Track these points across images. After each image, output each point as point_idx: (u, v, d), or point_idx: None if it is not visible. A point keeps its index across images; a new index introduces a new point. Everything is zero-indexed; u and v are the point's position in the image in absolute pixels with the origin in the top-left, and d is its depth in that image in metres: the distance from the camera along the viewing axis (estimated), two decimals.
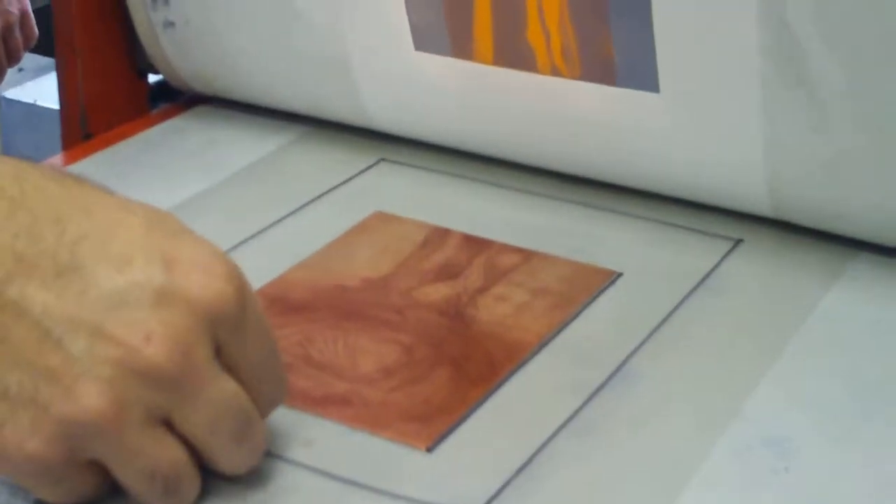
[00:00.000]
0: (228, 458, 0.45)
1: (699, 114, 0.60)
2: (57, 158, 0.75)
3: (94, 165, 0.73)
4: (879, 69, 0.54)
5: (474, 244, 0.63)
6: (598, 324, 0.57)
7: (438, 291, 0.59)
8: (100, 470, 0.44)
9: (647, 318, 0.57)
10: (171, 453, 0.43)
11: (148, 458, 0.43)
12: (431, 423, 0.50)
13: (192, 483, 0.45)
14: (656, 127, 0.62)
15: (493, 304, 0.58)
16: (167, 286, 0.43)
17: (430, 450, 0.49)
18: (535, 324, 0.56)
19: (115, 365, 0.41)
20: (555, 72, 0.64)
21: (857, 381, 0.52)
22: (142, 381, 0.42)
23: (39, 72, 1.56)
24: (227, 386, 0.44)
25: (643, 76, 0.61)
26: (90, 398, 0.41)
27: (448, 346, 0.55)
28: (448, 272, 0.61)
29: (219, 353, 0.44)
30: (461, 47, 0.66)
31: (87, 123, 0.78)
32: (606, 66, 0.62)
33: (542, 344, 0.55)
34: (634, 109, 0.62)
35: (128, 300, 0.42)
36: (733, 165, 0.61)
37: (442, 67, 0.67)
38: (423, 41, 0.67)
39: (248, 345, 0.45)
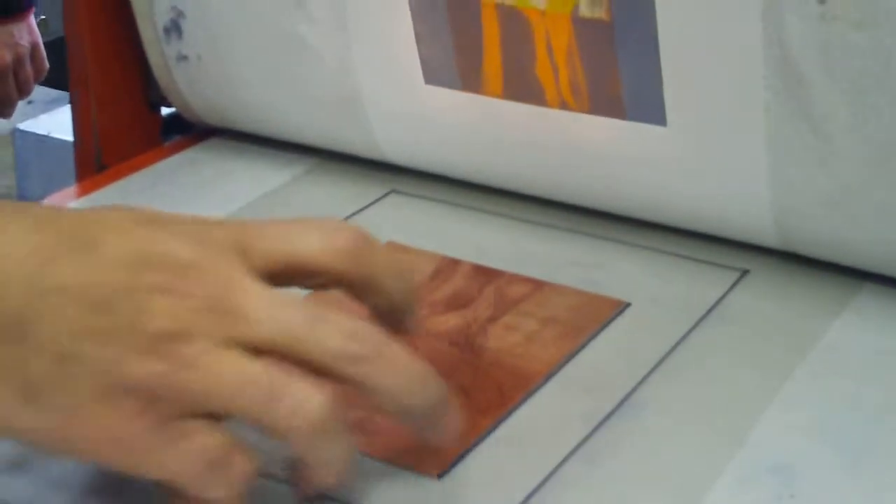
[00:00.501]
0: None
1: (706, 147, 0.61)
2: (70, 190, 0.76)
3: (107, 197, 0.74)
4: (883, 102, 0.55)
5: (484, 274, 0.63)
6: (606, 353, 0.57)
7: (449, 321, 0.60)
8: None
9: (655, 347, 0.57)
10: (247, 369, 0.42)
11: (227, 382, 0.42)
12: (442, 450, 0.50)
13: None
14: (663, 159, 0.63)
15: (503, 334, 0.58)
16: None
17: (441, 476, 0.49)
18: (544, 353, 0.57)
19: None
20: (563, 105, 0.65)
21: (863, 410, 0.53)
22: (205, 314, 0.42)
23: (50, 104, 1.57)
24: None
25: (650, 110, 0.62)
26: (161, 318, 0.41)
27: (458, 375, 0.55)
28: (458, 302, 0.61)
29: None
30: (470, 81, 0.67)
31: (100, 155, 0.79)
32: (614, 99, 0.63)
33: (552, 373, 0.56)
34: (642, 142, 0.63)
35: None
36: (739, 197, 0.62)
37: (451, 101, 0.68)
38: (432, 75, 0.68)
39: None
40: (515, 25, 0.64)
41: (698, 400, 0.54)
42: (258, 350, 0.42)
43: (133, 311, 0.41)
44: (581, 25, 0.62)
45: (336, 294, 0.48)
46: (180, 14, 0.75)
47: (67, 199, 0.74)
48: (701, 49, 0.59)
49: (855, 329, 0.58)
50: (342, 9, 0.69)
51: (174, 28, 0.76)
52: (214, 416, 0.42)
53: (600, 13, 0.61)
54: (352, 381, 0.44)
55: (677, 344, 0.58)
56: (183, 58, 0.77)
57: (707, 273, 0.64)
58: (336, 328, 0.44)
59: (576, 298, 0.61)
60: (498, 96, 0.66)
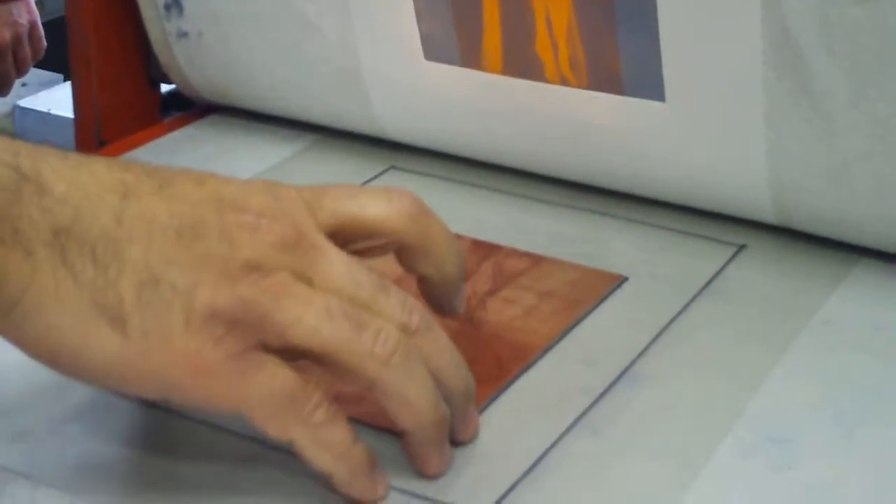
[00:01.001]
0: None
1: (704, 122, 0.62)
2: None
3: None
4: (881, 78, 0.55)
5: (483, 249, 0.64)
6: (604, 327, 0.58)
7: None
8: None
9: (653, 321, 0.58)
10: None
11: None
12: None
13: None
14: (662, 135, 0.63)
15: (502, 307, 0.59)
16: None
17: None
18: (542, 326, 0.57)
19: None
20: (563, 81, 0.65)
21: (859, 383, 0.53)
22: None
23: (42, 86, 1.58)
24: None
25: (649, 85, 0.62)
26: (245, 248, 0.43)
27: (458, 347, 0.56)
28: None
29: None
30: (470, 57, 0.67)
31: (100, 131, 0.79)
32: (613, 75, 0.63)
33: (550, 346, 0.56)
34: (641, 118, 0.63)
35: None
36: (737, 173, 0.62)
37: (451, 77, 0.68)
38: (433, 51, 0.68)
39: None
40: (515, 2, 0.64)
41: (697, 373, 0.54)
42: None
43: (219, 240, 0.42)
44: (581, 2, 0.62)
45: None
46: None
47: None
48: (700, 25, 0.59)
49: (851, 303, 0.59)
50: None
51: (175, 4, 0.76)
52: (288, 356, 0.43)
53: None
54: (385, 385, 0.45)
55: (675, 318, 0.58)
56: (183, 34, 0.77)
57: (704, 248, 0.64)
58: (396, 297, 0.45)
59: (574, 273, 0.62)
60: (498, 72, 0.67)
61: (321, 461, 0.44)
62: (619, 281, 0.61)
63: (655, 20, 0.60)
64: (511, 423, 0.52)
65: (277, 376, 0.43)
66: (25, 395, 0.54)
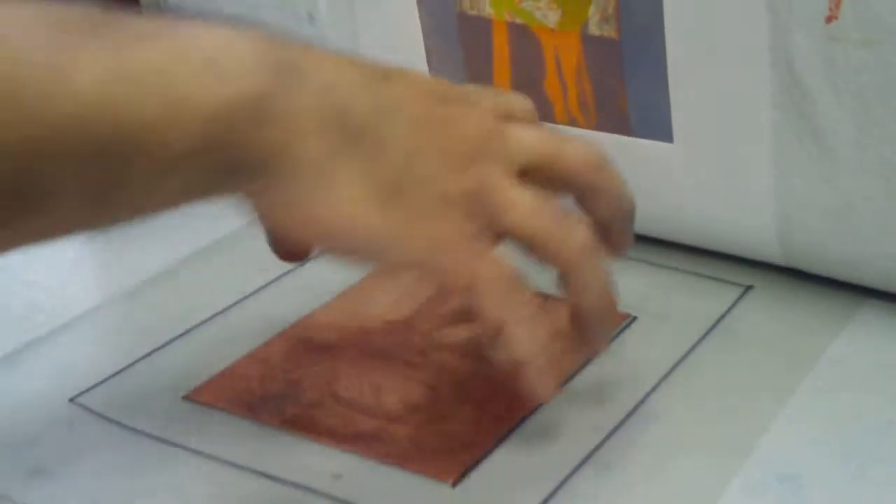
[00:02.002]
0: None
1: (712, 163, 0.62)
2: None
3: None
4: (886, 119, 0.56)
5: None
6: (614, 366, 0.58)
7: (458, 334, 0.61)
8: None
9: (662, 360, 0.58)
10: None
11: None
12: (457, 458, 0.51)
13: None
14: (670, 176, 0.64)
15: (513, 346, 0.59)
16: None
17: (455, 484, 0.50)
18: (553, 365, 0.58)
19: None
20: (572, 122, 0.66)
21: (867, 422, 0.53)
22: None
23: None
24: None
25: (657, 126, 0.63)
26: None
27: (470, 386, 0.56)
28: (467, 315, 0.62)
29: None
30: None
31: None
32: (621, 116, 0.64)
33: (561, 384, 0.57)
34: (648, 158, 0.64)
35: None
36: (744, 214, 0.63)
37: None
38: None
39: None
40: (525, 43, 0.65)
41: (706, 411, 0.55)
42: None
43: (452, 135, 0.49)
44: (590, 43, 0.63)
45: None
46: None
47: None
48: (708, 66, 0.60)
49: (858, 343, 0.59)
50: (352, 24, 0.70)
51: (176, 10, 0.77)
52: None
53: (609, 31, 0.62)
54: (576, 269, 0.51)
55: (684, 357, 0.59)
56: None
57: (712, 288, 0.65)
58: (577, 222, 0.52)
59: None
60: None
61: (523, 347, 0.50)
62: (628, 320, 0.62)
63: (664, 61, 0.61)
64: (523, 460, 0.52)
65: (504, 262, 0.49)
66: (39, 429, 0.55)
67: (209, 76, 0.42)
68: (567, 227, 0.51)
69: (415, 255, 0.48)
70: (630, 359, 0.59)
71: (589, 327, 0.53)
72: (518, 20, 0.64)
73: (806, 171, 0.59)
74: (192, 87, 0.42)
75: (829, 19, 0.55)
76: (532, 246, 0.50)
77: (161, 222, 0.71)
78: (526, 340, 0.50)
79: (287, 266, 0.67)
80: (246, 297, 0.64)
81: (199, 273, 0.67)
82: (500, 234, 0.49)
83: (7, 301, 0.65)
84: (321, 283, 0.65)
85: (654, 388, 0.56)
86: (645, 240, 0.68)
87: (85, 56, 0.40)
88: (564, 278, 0.52)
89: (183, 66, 0.42)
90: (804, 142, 0.59)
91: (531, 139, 0.51)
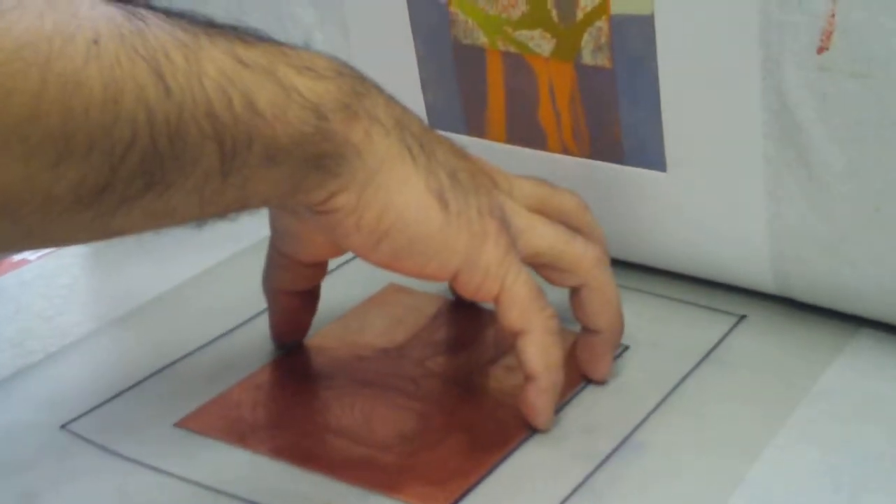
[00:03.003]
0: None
1: (705, 193, 0.62)
2: None
3: None
4: (878, 150, 0.56)
5: (484, 316, 0.64)
6: (606, 394, 0.58)
7: (451, 362, 0.61)
8: None
9: (654, 389, 0.58)
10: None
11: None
12: (447, 486, 0.51)
13: None
14: (663, 205, 0.64)
15: (504, 375, 0.59)
16: None
17: None
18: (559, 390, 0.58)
19: None
20: (565, 150, 0.66)
21: (859, 452, 0.53)
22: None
23: None
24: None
25: (651, 156, 0.63)
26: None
27: (462, 414, 0.56)
28: (459, 343, 0.62)
29: None
30: (475, 126, 0.68)
31: None
32: (615, 145, 0.64)
33: (553, 413, 0.56)
34: (642, 187, 0.64)
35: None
36: (738, 243, 0.63)
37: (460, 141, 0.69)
38: (437, 120, 0.69)
39: None
40: (519, 72, 0.65)
41: (697, 441, 0.55)
42: None
43: (474, 186, 0.54)
44: (584, 72, 0.63)
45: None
46: None
47: None
48: (701, 97, 0.60)
49: (851, 373, 0.59)
50: (348, 52, 0.70)
51: None
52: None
53: (603, 60, 0.62)
54: (592, 280, 0.57)
55: (676, 386, 0.59)
56: None
57: (705, 317, 0.65)
58: (588, 240, 0.58)
59: (574, 340, 0.62)
60: (501, 141, 0.68)
61: (538, 360, 0.53)
62: (620, 349, 0.62)
63: (657, 91, 0.61)
64: (513, 489, 0.52)
65: (530, 278, 0.54)
66: (30, 454, 0.54)
67: (308, 73, 0.48)
68: (582, 242, 0.56)
69: (458, 256, 0.52)
70: (622, 388, 0.59)
71: (601, 345, 0.57)
72: (512, 49, 0.65)
73: (798, 201, 0.60)
74: (295, 80, 0.47)
75: (820, 50, 0.56)
76: (551, 260, 0.55)
77: (153, 248, 0.72)
78: (541, 353, 0.53)
79: None
80: (238, 325, 0.64)
81: (191, 300, 0.67)
82: (520, 252, 0.54)
83: (0, 327, 0.65)
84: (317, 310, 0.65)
85: (646, 418, 0.56)
86: (637, 268, 0.68)
87: (207, 46, 0.45)
88: (580, 292, 0.56)
89: (286, 65, 0.47)
90: (797, 172, 0.59)
91: (529, 235, 0.56)
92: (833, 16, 0.55)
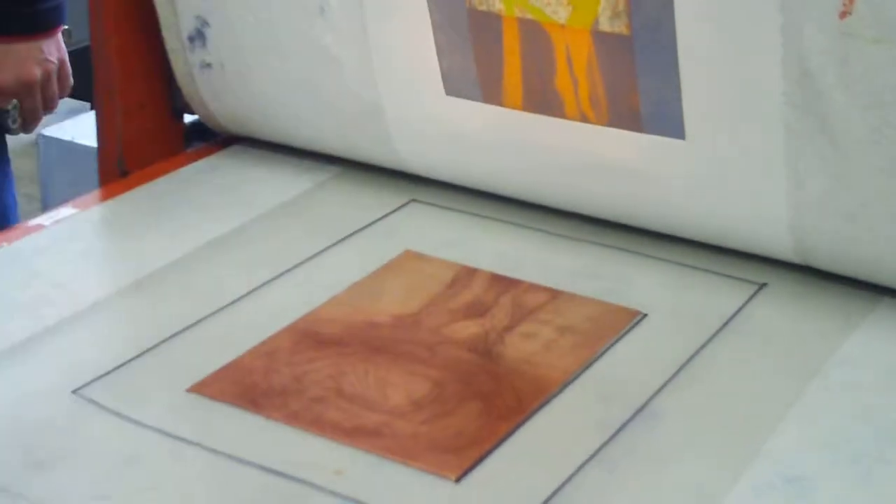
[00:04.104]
0: None
1: (724, 161, 0.62)
2: (94, 194, 0.77)
3: (130, 202, 0.74)
4: None
5: (501, 283, 0.64)
6: (623, 363, 0.58)
7: (467, 329, 0.60)
8: None
9: (671, 357, 0.58)
10: None
11: None
12: (461, 454, 0.51)
13: None
14: (682, 173, 0.63)
15: (521, 342, 0.59)
16: None
17: (459, 480, 0.50)
18: (561, 361, 0.57)
19: None
20: (583, 118, 0.65)
21: (876, 423, 0.53)
22: None
23: (68, 114, 1.58)
24: None
25: (669, 124, 0.62)
26: None
27: (477, 382, 0.56)
28: (476, 310, 0.62)
29: None
30: (491, 93, 0.68)
31: (123, 161, 0.80)
32: (633, 113, 0.63)
33: (569, 381, 0.56)
34: (661, 155, 0.63)
35: None
36: (758, 211, 0.62)
37: (472, 112, 0.69)
38: (453, 87, 0.69)
39: None
40: (536, 39, 0.64)
41: (714, 410, 0.54)
42: None
43: None
44: (601, 39, 0.62)
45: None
46: (204, 23, 0.76)
47: (91, 203, 0.75)
48: (720, 64, 0.59)
49: (871, 343, 0.59)
50: (363, 19, 0.70)
51: (198, 37, 0.77)
52: None
53: (620, 27, 0.61)
54: None
55: (694, 355, 0.58)
56: (206, 66, 0.78)
57: (725, 286, 0.64)
58: None
59: (592, 308, 0.62)
60: (518, 108, 0.67)
61: None
62: (639, 317, 0.61)
63: (676, 58, 0.60)
64: (528, 457, 0.51)
65: None
66: (42, 418, 0.54)
67: None
68: None
69: None
70: (639, 356, 0.58)
71: None
72: (528, 16, 0.64)
73: (819, 170, 0.59)
74: None
75: (842, 15, 0.55)
76: None
77: (167, 216, 0.72)
78: None
79: (294, 260, 0.66)
80: (252, 291, 0.64)
81: (205, 267, 0.67)
82: None
83: (15, 292, 0.65)
84: (329, 277, 0.65)
85: (662, 387, 0.56)
86: (656, 236, 0.68)
87: None
88: None
89: None
90: (817, 140, 0.58)
91: None
92: None
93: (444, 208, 0.73)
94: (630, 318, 0.61)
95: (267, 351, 0.59)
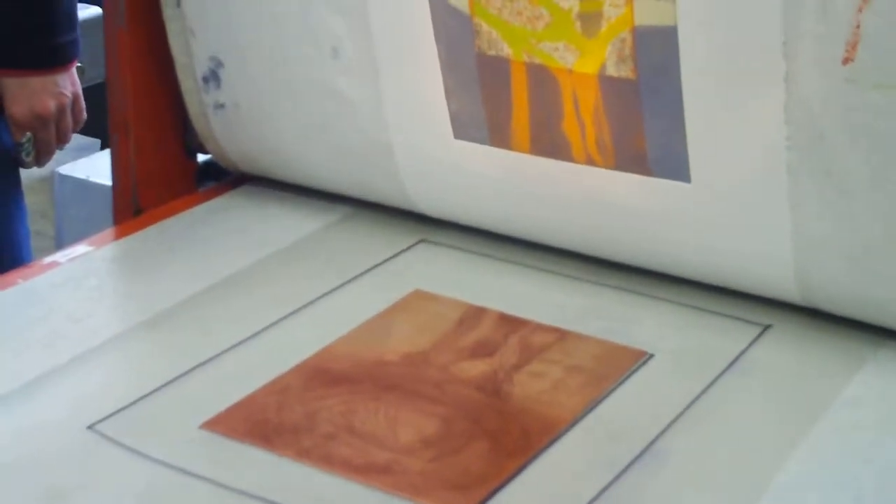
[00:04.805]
0: None
1: (729, 203, 0.63)
2: (108, 232, 0.78)
3: (144, 240, 0.75)
4: None
5: (509, 323, 0.65)
6: (629, 403, 0.59)
7: (475, 367, 0.61)
8: None
9: (677, 398, 0.58)
10: None
11: None
12: (469, 492, 0.52)
13: None
14: (687, 215, 0.64)
15: (528, 381, 0.60)
16: None
17: None
18: (569, 400, 0.58)
19: None
20: (589, 161, 0.66)
21: (881, 464, 0.53)
22: None
23: (79, 151, 1.59)
24: None
25: (675, 167, 0.63)
26: None
27: (485, 420, 0.57)
28: (484, 349, 0.63)
29: None
30: (499, 136, 0.69)
31: (138, 199, 0.81)
32: (639, 156, 0.64)
33: (576, 420, 0.57)
34: (666, 198, 0.64)
35: None
36: (762, 253, 0.63)
37: (480, 155, 0.70)
38: (461, 130, 0.70)
39: None
40: (543, 83, 0.65)
41: (719, 451, 0.55)
42: None
43: None
44: (608, 84, 0.63)
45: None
46: (219, 64, 0.77)
47: (106, 241, 0.76)
48: (725, 108, 0.60)
49: (875, 384, 0.59)
50: (375, 62, 0.71)
51: (213, 77, 0.78)
52: None
53: (627, 72, 0.62)
54: None
55: (699, 396, 0.59)
56: (220, 106, 0.79)
57: (729, 327, 0.65)
58: None
59: (599, 348, 0.62)
60: (525, 151, 0.68)
61: None
62: (645, 357, 0.62)
63: (681, 102, 0.61)
64: (535, 496, 0.52)
65: None
66: (57, 455, 0.55)
67: None
68: None
69: None
70: (645, 396, 0.59)
71: None
72: (536, 61, 0.65)
73: (823, 212, 0.60)
74: None
75: (845, 61, 0.56)
76: None
77: (181, 255, 0.73)
78: None
79: (306, 298, 0.67)
80: (265, 329, 0.65)
81: (218, 304, 0.68)
82: None
83: (29, 328, 0.65)
84: (340, 315, 0.66)
85: (668, 427, 0.56)
86: (662, 277, 0.68)
87: None
88: None
89: None
90: (821, 183, 0.59)
91: None
92: (858, 27, 0.55)
93: (453, 248, 0.73)
94: (636, 359, 0.62)
95: (279, 388, 0.60)
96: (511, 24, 0.65)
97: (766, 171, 0.60)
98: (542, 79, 0.65)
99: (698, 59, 0.60)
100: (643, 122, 0.63)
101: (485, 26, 0.66)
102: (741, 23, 0.58)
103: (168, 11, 0.78)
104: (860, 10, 0.54)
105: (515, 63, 0.66)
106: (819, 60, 0.56)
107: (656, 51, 0.61)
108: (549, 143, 0.67)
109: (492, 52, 0.66)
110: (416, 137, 0.72)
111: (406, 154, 0.73)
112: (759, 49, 0.58)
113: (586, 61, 0.63)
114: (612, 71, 0.63)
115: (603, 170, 0.66)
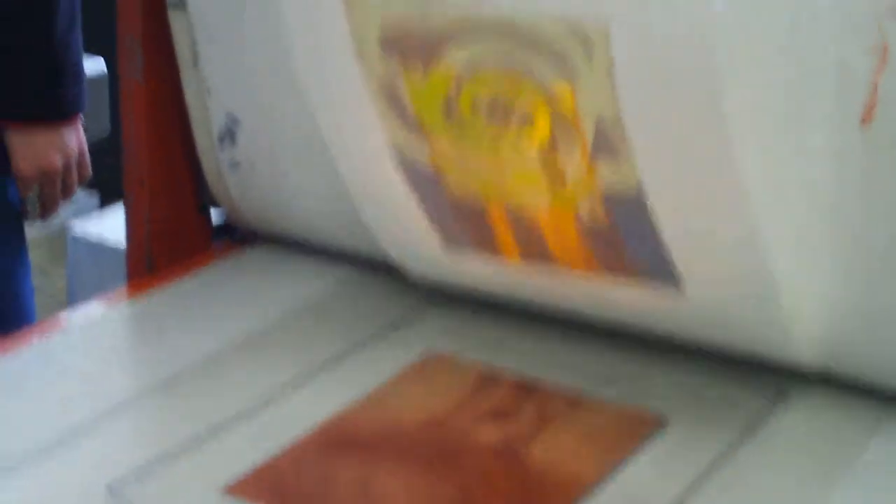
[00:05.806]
0: None
1: (725, 309, 0.63)
2: (121, 291, 0.78)
3: (158, 299, 0.75)
4: None
5: (524, 389, 0.65)
6: (646, 470, 0.58)
7: (491, 434, 0.61)
8: None
9: (693, 465, 0.58)
10: None
11: None
12: None
13: None
14: (683, 317, 0.65)
15: (545, 448, 0.60)
16: None
17: None
18: (586, 468, 0.58)
19: None
20: (583, 273, 0.66)
21: None
22: None
23: (77, 203, 1.59)
24: None
25: (666, 282, 0.63)
26: None
27: (503, 488, 0.57)
28: (500, 415, 0.63)
29: None
30: (488, 255, 0.68)
31: (151, 254, 0.81)
32: (630, 277, 0.64)
33: (594, 487, 0.57)
34: (661, 303, 0.64)
35: None
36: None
37: (473, 260, 0.69)
38: (450, 245, 0.70)
39: None
40: (522, 220, 0.65)
41: None
42: None
43: None
44: (584, 224, 0.63)
45: None
46: (235, 122, 0.78)
47: (119, 299, 0.76)
48: (709, 234, 0.60)
49: (891, 451, 0.59)
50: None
51: (228, 135, 0.78)
52: None
53: (600, 220, 0.62)
54: None
55: (714, 462, 0.59)
56: (235, 164, 0.79)
57: (746, 391, 0.64)
58: None
59: (615, 414, 0.62)
60: (517, 263, 0.68)
61: None
62: (661, 423, 0.62)
63: (660, 241, 0.61)
64: None
65: None
66: None
67: None
68: None
69: None
70: (661, 463, 0.59)
71: None
72: (512, 202, 0.64)
73: (839, 280, 0.60)
74: None
75: (863, 121, 0.56)
76: None
77: (194, 314, 0.73)
78: None
79: (320, 360, 0.67)
80: (283, 391, 0.65)
81: (236, 365, 0.68)
82: None
83: (44, 391, 0.65)
84: (353, 377, 0.65)
85: (685, 493, 0.56)
86: (678, 346, 0.68)
87: None
88: None
89: None
90: (835, 247, 0.59)
91: None
92: (875, 89, 0.55)
93: (465, 310, 0.73)
94: (652, 426, 0.61)
95: (299, 453, 0.59)
96: (480, 177, 0.64)
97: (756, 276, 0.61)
98: (521, 218, 0.65)
99: (668, 201, 0.60)
100: (625, 255, 0.63)
101: (452, 178, 0.65)
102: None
103: (186, 71, 0.78)
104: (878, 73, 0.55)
105: (492, 206, 0.65)
106: (837, 118, 0.56)
107: (625, 206, 0.61)
108: (539, 260, 0.67)
109: (467, 201, 0.66)
110: (407, 251, 0.72)
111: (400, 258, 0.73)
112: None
113: (559, 205, 0.63)
114: (586, 220, 0.62)
115: (597, 280, 0.66)
